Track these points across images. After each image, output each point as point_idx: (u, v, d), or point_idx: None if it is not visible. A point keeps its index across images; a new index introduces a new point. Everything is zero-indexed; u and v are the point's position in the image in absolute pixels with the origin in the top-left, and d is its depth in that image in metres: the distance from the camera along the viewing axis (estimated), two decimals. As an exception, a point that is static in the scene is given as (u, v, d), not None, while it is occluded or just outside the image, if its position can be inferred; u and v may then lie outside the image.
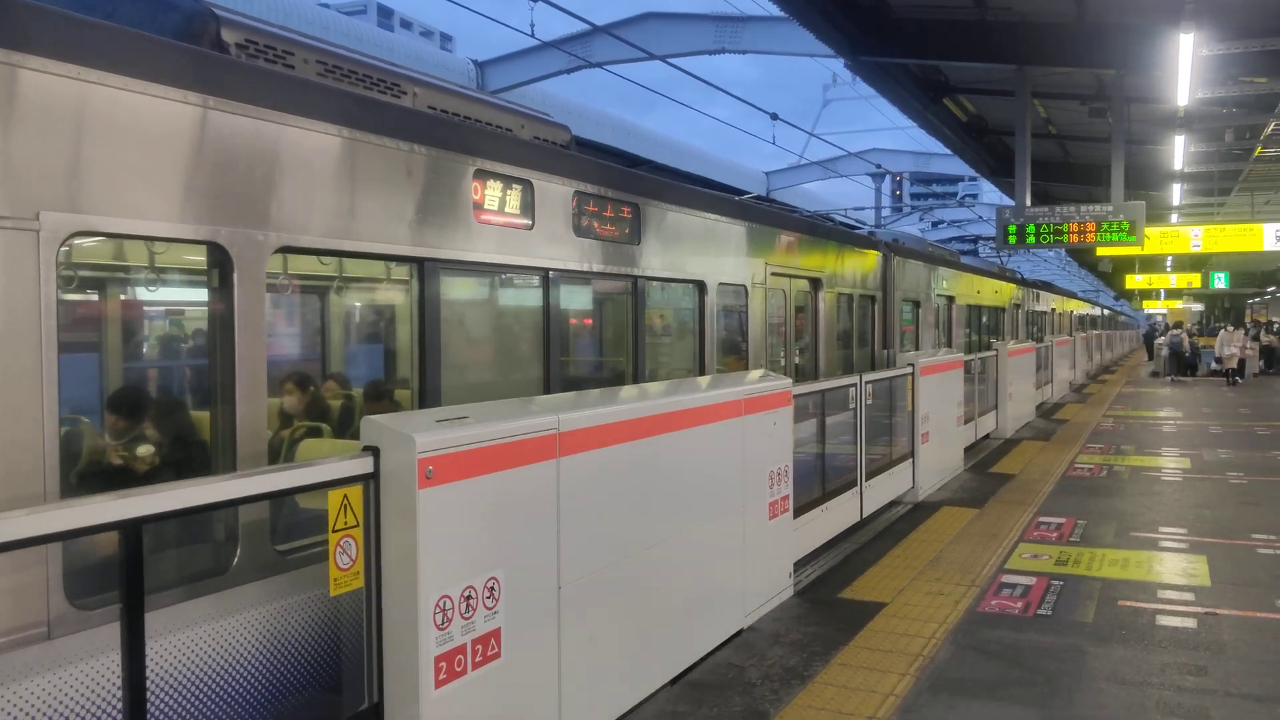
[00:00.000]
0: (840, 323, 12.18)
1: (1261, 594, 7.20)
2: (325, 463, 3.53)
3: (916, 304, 15.61)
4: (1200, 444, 15.65)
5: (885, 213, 35.29)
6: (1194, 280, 34.98)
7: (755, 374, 7.08)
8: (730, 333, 9.41)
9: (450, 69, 16.65)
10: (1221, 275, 32.26)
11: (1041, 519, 9.84)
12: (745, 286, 9.37)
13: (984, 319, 22.26)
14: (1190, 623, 6.57)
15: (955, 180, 73.59)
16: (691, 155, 25.47)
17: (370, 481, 3.63)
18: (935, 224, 45.44)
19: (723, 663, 5.79)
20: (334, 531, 3.48)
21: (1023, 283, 28.96)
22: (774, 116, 16.47)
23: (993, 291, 23.05)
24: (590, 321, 8.48)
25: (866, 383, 9.27)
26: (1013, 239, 14.21)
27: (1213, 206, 24.52)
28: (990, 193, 57.24)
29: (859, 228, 21.98)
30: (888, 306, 13.90)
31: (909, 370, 10.73)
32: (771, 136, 17.71)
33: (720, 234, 8.92)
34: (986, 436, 16.33)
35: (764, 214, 10.33)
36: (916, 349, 15.03)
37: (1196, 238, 17.63)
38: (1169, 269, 38.33)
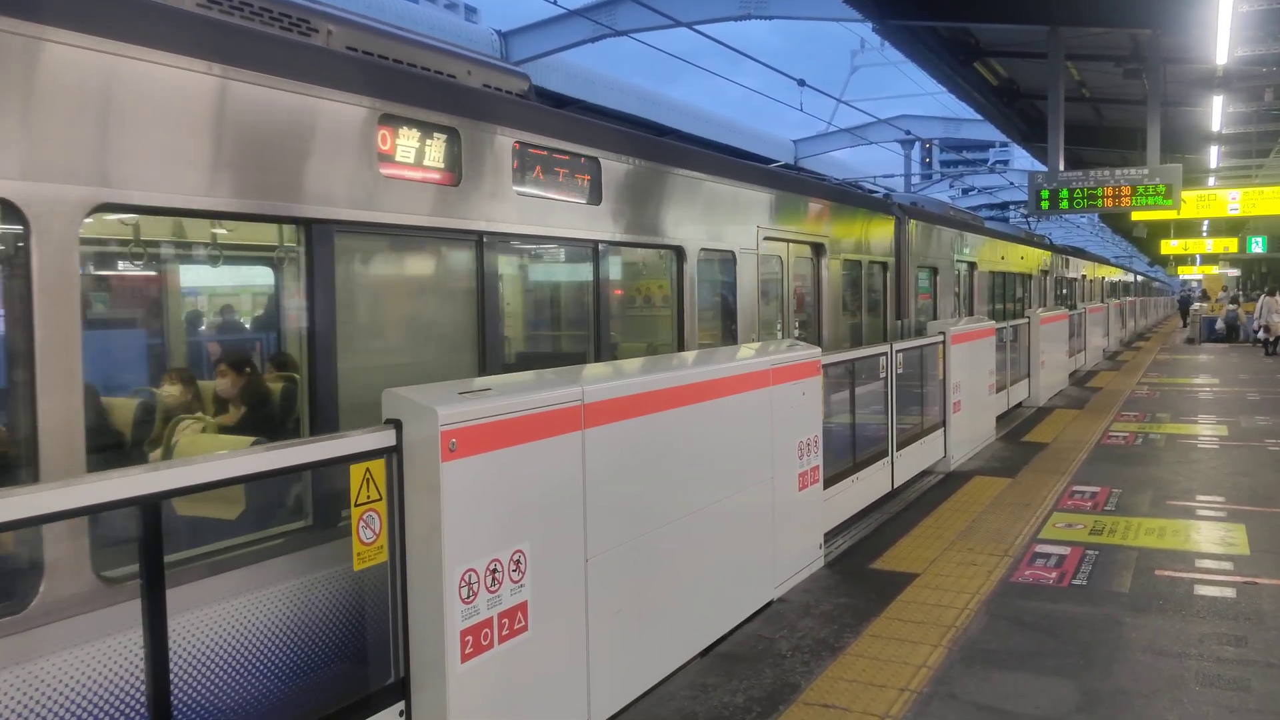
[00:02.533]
0: (847, 292, 11.41)
1: (1302, 563, 7.06)
2: (346, 436, 3.48)
3: (934, 271, 14.74)
4: (1238, 411, 15.40)
5: (915, 180, 34.90)
6: (1230, 245, 34.29)
7: (784, 343, 6.99)
8: (715, 304, 8.62)
9: (474, 39, 16.55)
10: (1259, 239, 31.62)
11: (1075, 488, 9.71)
12: (733, 253, 8.53)
13: (1010, 286, 21.33)
14: (1229, 592, 6.45)
15: (986, 147, 72.66)
16: (718, 124, 25.25)
17: (393, 455, 3.59)
18: (965, 191, 44.89)
19: (753, 634, 5.74)
20: (357, 506, 3.44)
21: (1051, 248, 28.10)
22: (801, 83, 16.24)
23: (1019, 258, 22.09)
24: (538, 292, 7.80)
25: (897, 351, 9.15)
26: (1046, 204, 13.95)
27: (1250, 169, 24.02)
28: (1021, 158, 56.49)
29: (876, 191, 21.68)
30: (901, 274, 13.01)
31: (940, 338, 10.59)
32: (799, 103, 17.47)
33: (703, 194, 8.06)
34: (1019, 405, 16.15)
35: (755, 172, 9.44)
36: (934, 319, 14.18)
37: (1234, 200, 17.24)
38: (1205, 234, 37.65)
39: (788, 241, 9.71)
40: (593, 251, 6.73)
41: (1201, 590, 6.50)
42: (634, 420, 4.68)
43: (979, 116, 24.76)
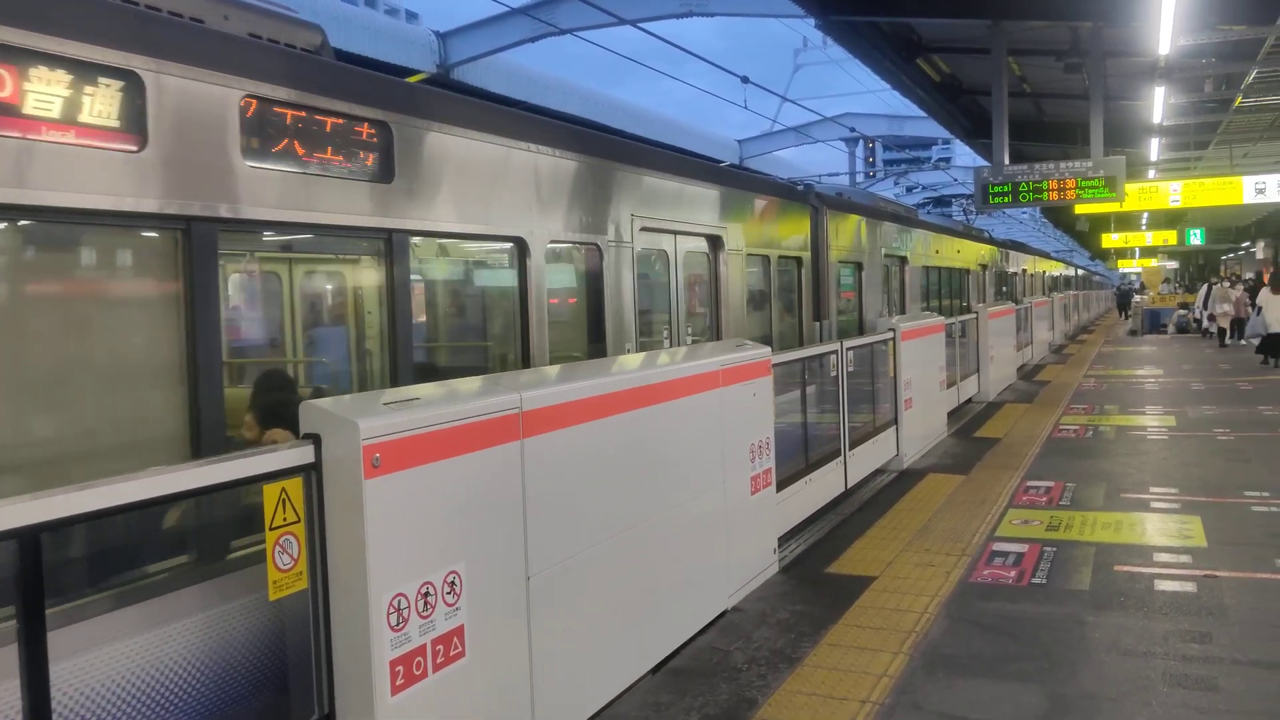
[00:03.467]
0: (752, 290, 10.08)
1: (1259, 554, 6.98)
2: (259, 454, 3.19)
3: (859, 267, 13.59)
4: (1184, 401, 15.50)
5: (860, 178, 35.00)
6: (1169, 237, 34.88)
7: (732, 343, 6.77)
8: (574, 309, 7.32)
9: (413, 41, 16.20)
10: (1198, 231, 32.15)
11: (1030, 483, 9.62)
12: (598, 246, 7.11)
13: (946, 282, 20.33)
14: (1190, 586, 6.34)
15: (928, 145, 73.36)
16: (662, 124, 25.08)
17: (312, 473, 3.30)
18: (910, 189, 45.14)
19: (706, 647, 5.51)
20: (271, 529, 3.16)
21: (992, 242, 27.65)
22: (745, 79, 16.10)
23: (954, 252, 21.09)
24: (292, 297, 6.23)
25: (848, 349, 8.98)
26: (994, 199, 13.94)
27: (1190, 161, 24.32)
28: (963, 155, 57.09)
29: (800, 184, 21.36)
30: (819, 270, 11.78)
31: (890, 335, 10.45)
32: (743, 101, 17.33)
33: (554, 174, 6.58)
34: (969, 400, 16.12)
35: (629, 151, 7.98)
36: (861, 318, 13.46)
37: (1175, 193, 17.42)
38: (1144, 226, 38.24)
39: (675, 233, 8.44)
40: (385, 245, 5.21)
41: (1162, 585, 6.38)
42: (577, 427, 4.42)
43: (923, 113, 24.84)
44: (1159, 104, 14.68)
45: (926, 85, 20.05)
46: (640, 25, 15.12)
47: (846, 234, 12.89)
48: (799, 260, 11.20)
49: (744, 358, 6.32)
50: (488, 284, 7.20)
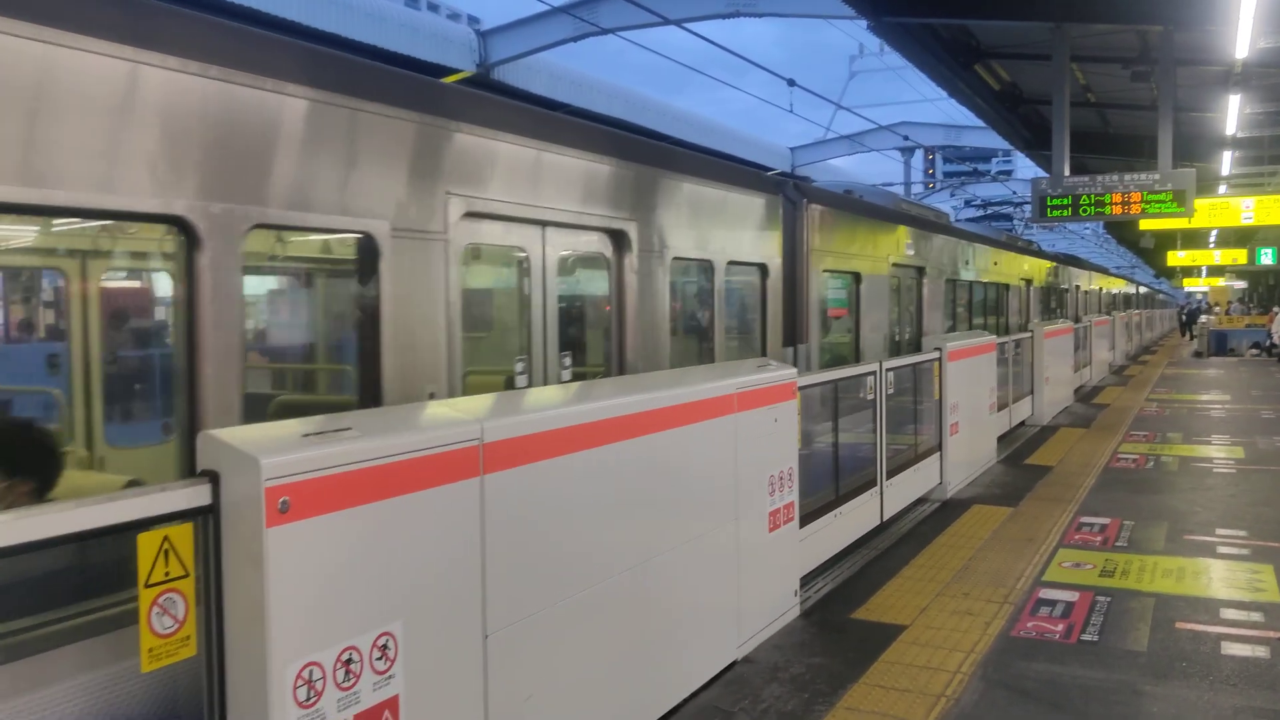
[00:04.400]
0: (684, 308, 8.01)
1: (1342, 614, 6.22)
2: (141, 495, 2.67)
3: (856, 278, 11.37)
4: (1253, 430, 14.57)
5: (916, 189, 34.13)
6: (1239, 256, 33.51)
7: (752, 363, 6.17)
8: (314, 334, 5.81)
9: (451, 39, 15.80)
10: (1269, 250, 30.81)
11: (1083, 519, 8.88)
12: (372, 239, 4.79)
13: (980, 299, 18.02)
14: (1262, 651, 5.61)
15: (988, 156, 71.92)
16: (712, 131, 24.46)
17: (208, 518, 2.78)
18: (968, 201, 44.11)
19: (707, 706, 4.90)
20: (148, 587, 2.63)
21: (1041, 255, 25.37)
22: (791, 83, 15.47)
23: (991, 264, 18.65)
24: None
25: (887, 370, 8.32)
26: (1052, 212, 13.15)
27: (1263, 177, 23.21)
28: (1025, 168, 55.72)
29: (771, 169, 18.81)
30: (796, 281, 9.50)
31: (935, 355, 9.76)
32: (789, 105, 16.69)
33: (272, 125, 4.30)
34: (1022, 424, 15.30)
35: (434, 93, 5.54)
36: (858, 342, 11.31)
37: (1248, 209, 16.45)
38: (1212, 244, 36.89)
39: (539, 224, 6.09)
40: None
41: (1230, 649, 5.66)
42: (554, 461, 3.86)
43: (981, 123, 23.98)
44: (1233, 113, 13.80)
45: (985, 93, 19.26)
46: (686, 26, 14.57)
47: (840, 237, 10.68)
48: (763, 268, 8.75)
49: (765, 380, 5.71)
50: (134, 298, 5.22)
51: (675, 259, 7.42)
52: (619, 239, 6.86)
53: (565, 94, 17.68)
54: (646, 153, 7.36)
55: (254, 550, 2.72)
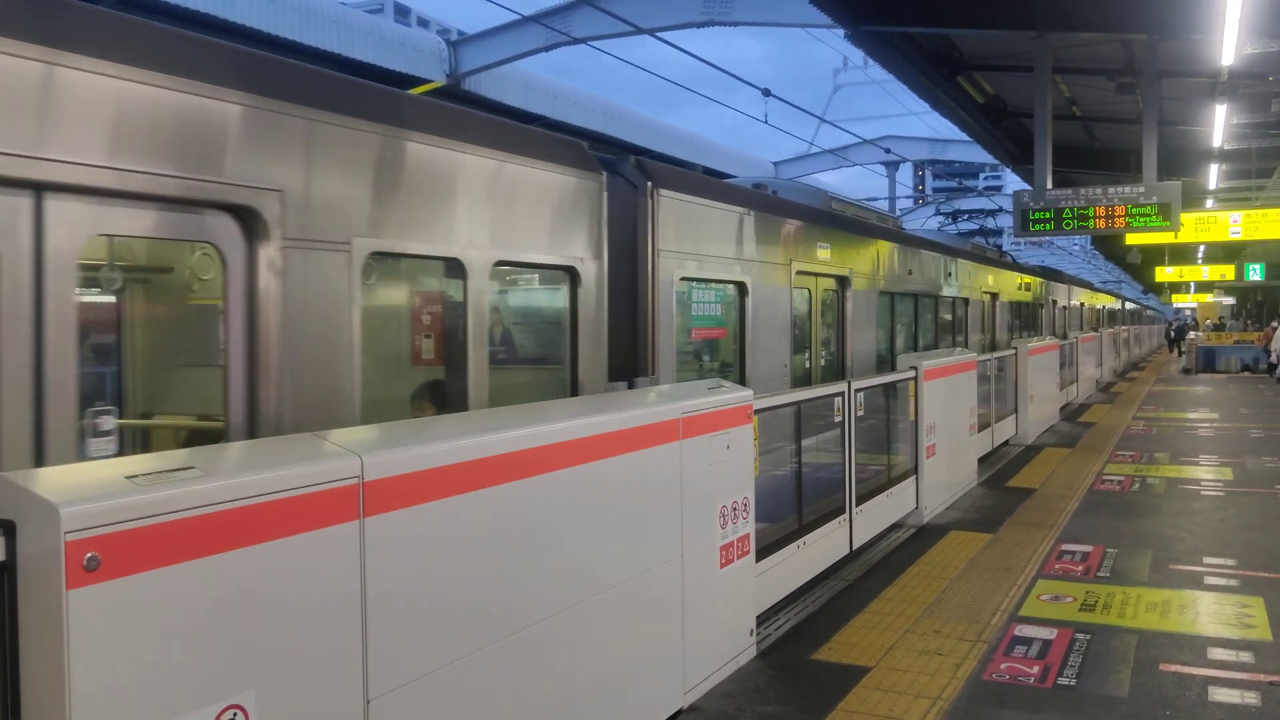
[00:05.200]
0: (398, 330, 5.90)
1: (1338, 654, 5.81)
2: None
3: (742, 289, 8.71)
4: (1242, 451, 14.19)
5: (903, 203, 33.80)
6: (1227, 272, 33.29)
7: (704, 384, 5.74)
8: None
9: (420, 48, 15.41)
10: (1258, 266, 30.57)
11: (1065, 546, 8.46)
12: (576, 271, 5.51)
13: (927, 315, 15.29)
14: (1252, 698, 5.19)
15: (975, 173, 71.78)
16: (694, 145, 24.16)
17: (2, 576, 2.34)
18: (955, 217, 43.81)
19: (645, 764, 4.46)
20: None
21: (1011, 266, 22.55)
22: (766, 93, 15.11)
23: (944, 275, 15.85)
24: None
25: (857, 391, 7.91)
26: (1035, 226, 12.79)
27: (1251, 190, 22.94)
28: (1015, 184, 55.55)
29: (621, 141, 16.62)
30: (635, 292, 7.27)
31: (910, 374, 9.35)
32: (764, 116, 16.34)
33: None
34: (1005, 443, 14.90)
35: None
36: (743, 368, 8.71)
37: (1236, 223, 16.14)
38: (1200, 260, 36.67)
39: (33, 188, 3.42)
40: None
41: (1217, 694, 5.24)
42: (455, 500, 3.43)
43: (966, 137, 23.69)
44: (1220, 124, 13.48)
45: (969, 106, 18.95)
46: (673, 43, 14.18)
47: (710, 235, 8.25)
48: (571, 274, 6.20)
49: (715, 403, 5.29)
50: None
51: (375, 255, 4.70)
52: (246, 220, 4.10)
53: (539, 105, 17.30)
54: (323, 89, 4.55)
55: (52, 616, 2.28)
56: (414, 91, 12.47)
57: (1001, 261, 21.81)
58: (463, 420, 4.08)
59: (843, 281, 11.20)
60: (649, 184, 7.32)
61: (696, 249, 7.97)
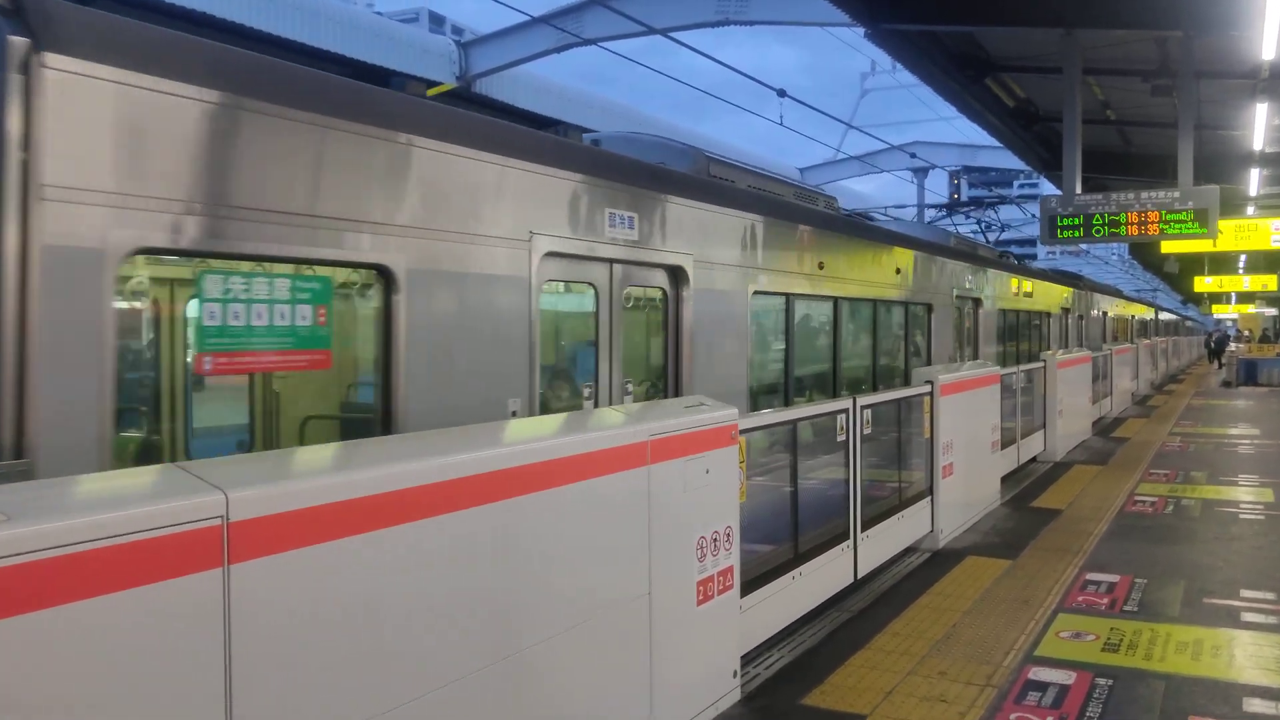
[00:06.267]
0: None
1: (1391, 707, 5.20)
2: None
3: (388, 277, 4.86)
4: (1284, 470, 13.47)
5: (931, 211, 33.12)
6: (1270, 282, 32.33)
7: (678, 402, 5.24)
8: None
9: (430, 50, 15.05)
10: (1301, 276, 29.65)
11: (1090, 575, 7.87)
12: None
13: (900, 330, 12.49)
14: (1294, 759, 4.61)
15: (1009, 180, 70.68)
16: (723, 150, 23.65)
17: None
18: (987, 226, 42.98)
19: (597, 832, 3.96)
20: None
21: (1019, 270, 18.63)
22: (781, 93, 14.62)
23: (891, 270, 11.70)
24: None
25: (864, 408, 7.37)
26: (1063, 233, 12.18)
27: (1293, 198, 22.11)
28: (1050, 192, 54.51)
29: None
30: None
31: (926, 390, 8.80)
32: (779, 117, 15.85)
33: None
34: (1033, 460, 14.25)
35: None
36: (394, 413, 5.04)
37: (1278, 231, 15.42)
38: (1241, 270, 35.68)
39: None
40: None
41: (1254, 754, 4.67)
42: (351, 542, 2.95)
43: (996, 143, 23.04)
44: (1260, 125, 12.81)
45: (998, 110, 18.36)
46: (672, 35, 13.72)
47: (261, 161, 4.28)
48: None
49: (691, 424, 4.79)
50: None
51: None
52: (675, 274, 5.57)
53: (551, 108, 16.89)
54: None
55: None
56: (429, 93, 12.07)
57: (991, 259, 17.69)
58: (373, 447, 3.59)
59: (676, 275, 7.36)
60: (33, 41, 3.47)
61: (178, 184, 3.91)
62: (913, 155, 24.39)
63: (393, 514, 3.08)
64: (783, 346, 9.22)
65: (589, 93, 18.42)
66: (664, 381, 7.42)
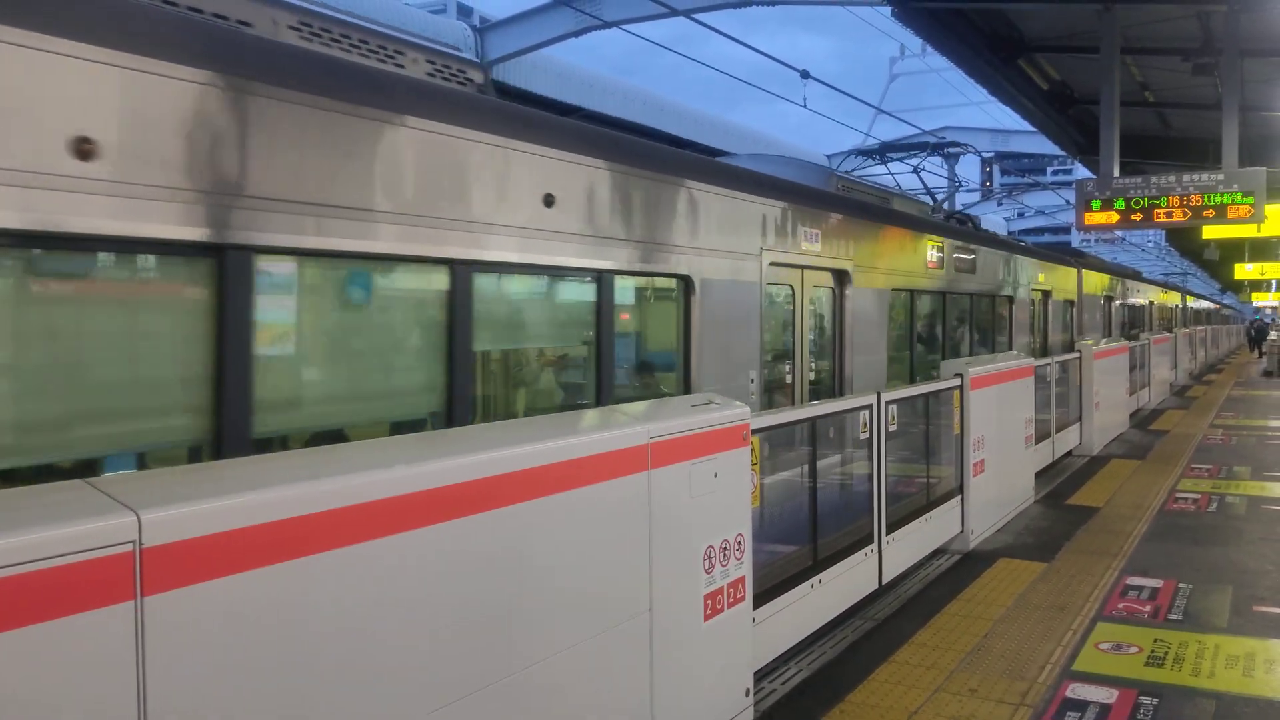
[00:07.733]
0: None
1: None
2: None
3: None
4: (1333, 465, 12.91)
5: (962, 198, 32.48)
6: (1313, 269, 31.46)
7: (684, 401, 4.87)
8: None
9: (443, 33, 14.71)
10: (1345, 263, 28.77)
11: (1130, 580, 7.44)
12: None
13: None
14: (1361, 793, 4.19)
15: (1042, 166, 69.57)
16: (741, 136, 23.23)
17: None
18: (1020, 213, 42.26)
19: None
20: None
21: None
22: (804, 74, 14.15)
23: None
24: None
25: (888, 403, 6.96)
26: (1099, 217, 11.67)
27: (1342, 181, 21.36)
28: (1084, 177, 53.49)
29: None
30: None
31: (955, 383, 8.37)
32: (803, 99, 15.39)
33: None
34: (1068, 454, 13.76)
35: None
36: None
37: (1326, 216, 14.79)
38: (1283, 257, 34.79)
39: None
40: None
41: (1316, 787, 4.25)
42: (290, 566, 2.60)
43: (1029, 127, 22.44)
44: (1309, 106, 12.21)
45: (1032, 93, 17.81)
46: (694, 17, 13.31)
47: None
48: None
49: (697, 424, 4.41)
50: None
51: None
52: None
53: (574, 95, 16.51)
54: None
55: None
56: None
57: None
58: (316, 456, 3.23)
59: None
60: None
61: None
62: (942, 138, 23.81)
63: (335, 535, 2.73)
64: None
65: (607, 78, 18.02)
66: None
